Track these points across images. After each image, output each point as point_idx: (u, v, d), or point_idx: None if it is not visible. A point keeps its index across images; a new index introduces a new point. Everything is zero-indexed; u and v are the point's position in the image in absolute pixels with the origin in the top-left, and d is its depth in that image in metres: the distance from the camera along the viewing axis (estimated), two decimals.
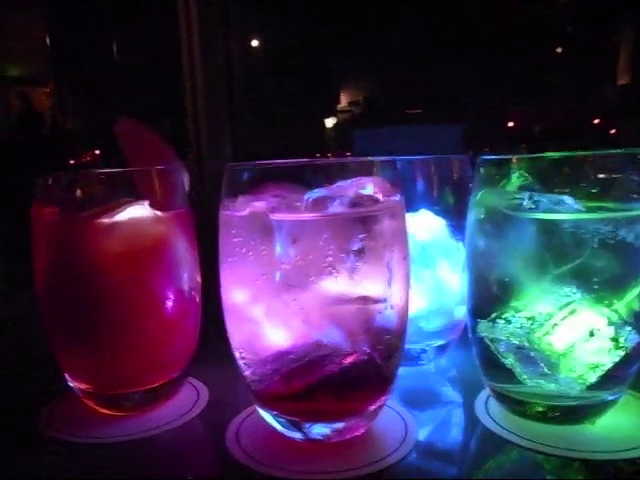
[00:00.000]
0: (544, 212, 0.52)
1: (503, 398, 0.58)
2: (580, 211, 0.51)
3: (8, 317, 0.81)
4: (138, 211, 0.56)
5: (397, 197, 0.52)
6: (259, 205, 0.48)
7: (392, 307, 0.51)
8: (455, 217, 0.66)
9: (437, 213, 0.67)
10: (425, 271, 0.67)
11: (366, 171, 0.52)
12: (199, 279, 0.64)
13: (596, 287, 0.51)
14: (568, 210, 0.51)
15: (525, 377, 0.56)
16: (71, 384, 0.61)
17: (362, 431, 0.54)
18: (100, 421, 0.59)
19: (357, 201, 0.49)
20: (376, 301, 0.50)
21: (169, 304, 0.59)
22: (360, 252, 0.48)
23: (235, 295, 0.51)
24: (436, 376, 0.68)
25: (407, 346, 0.67)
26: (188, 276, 0.61)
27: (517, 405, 0.57)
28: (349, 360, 0.51)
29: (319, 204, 0.49)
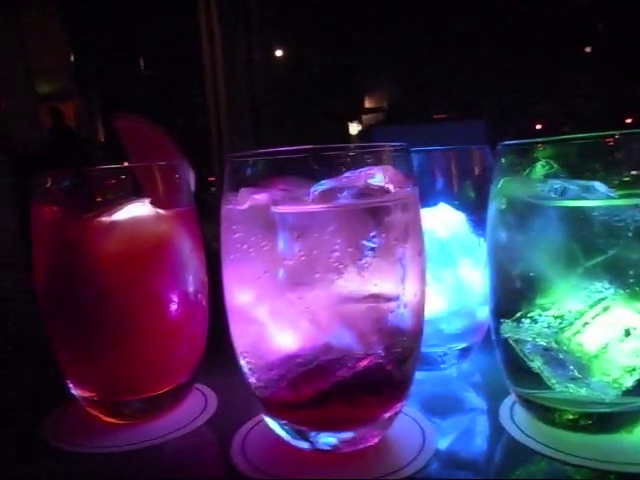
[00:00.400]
0: (573, 199, 0.47)
1: (530, 405, 0.54)
2: (612, 197, 0.47)
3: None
4: (138, 209, 0.54)
5: (410, 188, 0.48)
6: (260, 197, 0.45)
7: (406, 306, 0.47)
8: (476, 211, 0.62)
9: (457, 207, 0.63)
10: (445, 269, 0.63)
11: (377, 160, 0.48)
12: (205, 280, 0.61)
13: (631, 281, 0.46)
14: (599, 197, 0.47)
15: (554, 381, 0.51)
16: (74, 392, 0.58)
17: (376, 440, 0.50)
18: (104, 430, 0.57)
19: (366, 192, 0.45)
20: (388, 299, 0.46)
21: (173, 306, 0.57)
22: (369, 246, 0.44)
23: (237, 295, 0.48)
24: (458, 381, 0.64)
25: (427, 350, 0.64)
26: (193, 277, 0.58)
27: (545, 412, 0.53)
28: (361, 364, 0.47)
29: (326, 196, 0.46)
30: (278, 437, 0.51)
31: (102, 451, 0.54)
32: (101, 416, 0.58)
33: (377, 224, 0.45)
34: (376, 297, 0.45)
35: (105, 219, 0.52)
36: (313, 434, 0.48)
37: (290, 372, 0.47)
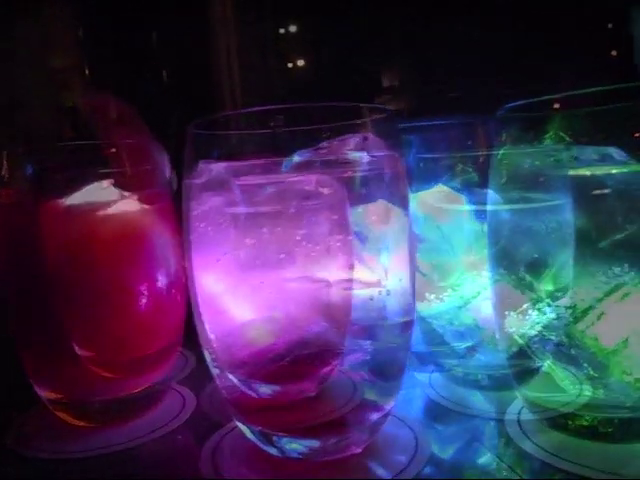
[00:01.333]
0: (584, 167, 0.40)
1: (540, 410, 0.47)
2: (631, 164, 0.40)
3: None
4: (98, 192, 0.49)
5: (383, 158, 0.42)
6: (219, 168, 0.40)
7: (388, 293, 0.41)
8: (481, 194, 0.56)
9: (458, 190, 0.56)
10: (445, 259, 0.56)
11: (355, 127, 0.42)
12: (181, 271, 0.55)
13: None
14: (616, 164, 0.40)
15: (567, 382, 0.44)
16: (40, 394, 0.53)
17: (359, 449, 0.44)
18: (71, 435, 0.52)
19: (334, 164, 0.40)
20: (364, 284, 0.40)
21: (141, 298, 0.51)
22: (339, 223, 0.38)
23: (197, 279, 0.43)
24: (459, 383, 0.57)
25: (431, 349, 0.58)
26: (165, 267, 0.53)
27: (558, 418, 0.45)
28: (337, 360, 0.41)
29: (297, 169, 0.40)
30: (251, 444, 0.45)
31: (69, 456, 0.48)
32: (69, 420, 0.53)
33: (346, 197, 0.39)
34: (349, 281, 0.39)
35: (59, 203, 0.47)
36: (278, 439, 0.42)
37: (260, 369, 0.42)
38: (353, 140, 0.41)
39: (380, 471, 0.43)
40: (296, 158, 0.40)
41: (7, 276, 0.50)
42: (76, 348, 0.49)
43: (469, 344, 0.57)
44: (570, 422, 0.45)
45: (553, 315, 0.43)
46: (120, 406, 0.53)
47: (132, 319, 0.52)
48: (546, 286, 0.43)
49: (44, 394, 0.53)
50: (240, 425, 0.45)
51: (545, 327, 0.43)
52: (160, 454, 0.49)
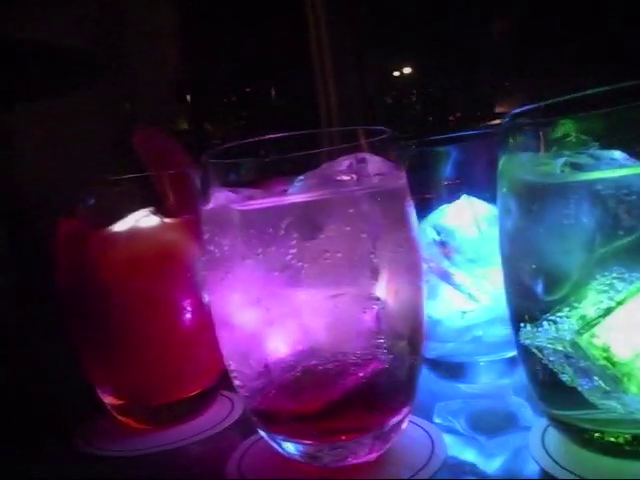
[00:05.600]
0: (577, 173, 0.39)
1: (567, 429, 0.45)
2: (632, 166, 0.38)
3: None
4: (142, 219, 0.55)
5: (385, 176, 0.43)
6: (221, 195, 0.44)
7: (384, 305, 0.42)
8: None
9: (486, 200, 0.56)
10: (480, 268, 0.56)
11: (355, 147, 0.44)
12: None
13: None
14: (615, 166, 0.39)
15: (592, 397, 0.42)
16: (104, 400, 0.60)
17: (372, 455, 0.45)
18: (129, 436, 0.58)
19: (328, 183, 0.42)
20: (356, 298, 0.41)
21: (189, 312, 0.57)
22: (328, 241, 0.40)
23: (210, 298, 0.46)
24: (490, 396, 0.56)
25: (462, 359, 0.58)
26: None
27: (582, 434, 0.43)
28: (349, 371, 0.43)
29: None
30: (276, 451, 0.48)
31: (127, 454, 0.55)
32: (131, 423, 0.59)
33: (336, 217, 0.41)
34: (340, 296, 0.41)
35: (107, 231, 0.54)
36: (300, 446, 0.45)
37: (271, 380, 0.44)
38: (349, 161, 0.43)
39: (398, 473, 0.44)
40: (297, 183, 0.43)
41: (70, 297, 0.58)
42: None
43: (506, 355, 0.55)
44: (594, 439, 0.43)
45: (564, 325, 0.41)
46: (174, 410, 0.59)
47: (181, 330, 0.57)
48: (555, 295, 0.42)
49: (107, 401, 0.59)
50: (263, 434, 0.48)
51: (553, 338, 0.41)
52: (202, 454, 0.53)
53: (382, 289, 0.42)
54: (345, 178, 0.41)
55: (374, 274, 0.41)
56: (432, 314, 0.59)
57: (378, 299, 0.41)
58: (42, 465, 0.54)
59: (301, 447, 0.45)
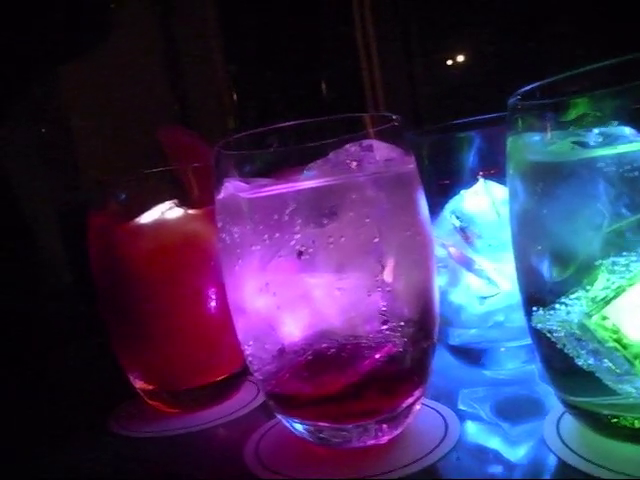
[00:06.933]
0: (580, 151, 0.38)
1: (580, 414, 0.44)
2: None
3: None
4: (167, 211, 0.57)
5: (390, 162, 0.44)
6: (230, 185, 0.45)
7: (390, 289, 0.42)
8: None
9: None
10: (502, 252, 0.55)
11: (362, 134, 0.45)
12: None
13: None
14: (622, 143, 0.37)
15: (607, 381, 0.41)
16: (135, 385, 0.63)
17: (385, 438, 0.46)
18: (159, 419, 0.61)
19: (334, 169, 0.42)
20: (361, 282, 0.42)
21: (216, 298, 0.59)
22: (329, 226, 0.41)
23: (226, 285, 0.48)
24: (515, 384, 0.55)
25: (482, 345, 0.57)
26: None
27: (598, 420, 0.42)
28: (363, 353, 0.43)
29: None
30: (292, 434, 0.49)
31: (156, 435, 0.58)
32: (161, 407, 0.62)
33: (339, 202, 0.41)
34: (345, 280, 0.41)
35: (133, 223, 0.56)
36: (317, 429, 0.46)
37: (285, 364, 0.46)
38: (354, 148, 0.44)
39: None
40: (306, 172, 0.44)
41: (102, 288, 0.61)
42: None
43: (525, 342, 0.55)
44: (611, 425, 0.42)
45: (574, 307, 0.40)
46: (201, 394, 0.61)
47: (206, 316, 0.59)
48: (565, 277, 0.41)
49: (138, 385, 0.62)
50: (282, 419, 0.49)
51: (563, 320, 0.41)
52: (225, 436, 0.56)
53: (389, 273, 0.42)
54: (350, 165, 0.42)
55: (379, 258, 0.42)
56: (454, 300, 0.59)
57: (384, 283, 0.42)
58: (77, 446, 0.58)
59: (314, 430, 0.46)
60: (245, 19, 1.99)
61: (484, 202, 0.55)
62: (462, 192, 0.56)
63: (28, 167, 1.03)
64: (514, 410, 0.52)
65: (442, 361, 0.62)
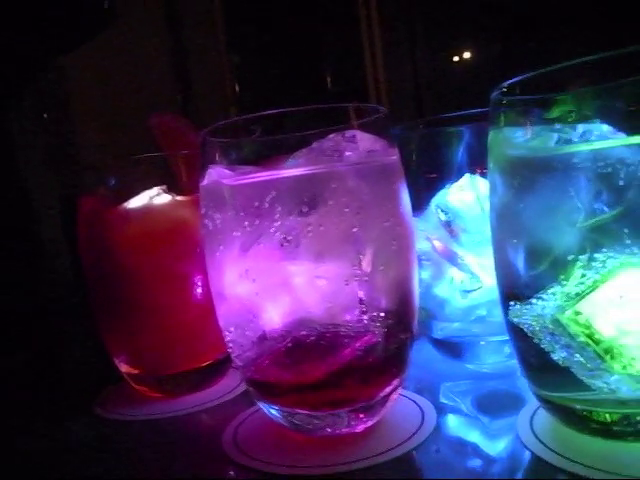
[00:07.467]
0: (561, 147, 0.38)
1: (554, 409, 0.44)
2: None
3: None
4: (155, 197, 0.58)
5: (371, 152, 0.44)
6: (214, 172, 0.45)
7: (368, 278, 0.43)
8: None
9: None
10: (480, 248, 0.55)
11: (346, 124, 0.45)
12: None
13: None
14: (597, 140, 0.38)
15: (580, 376, 0.42)
16: (122, 370, 0.64)
17: (361, 427, 0.47)
18: (145, 403, 0.62)
19: (314, 159, 0.43)
20: (340, 271, 0.42)
21: (201, 284, 0.59)
22: (311, 214, 0.41)
23: (208, 271, 0.48)
24: (496, 378, 0.56)
25: (468, 339, 0.58)
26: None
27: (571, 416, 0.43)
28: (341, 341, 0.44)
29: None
30: (271, 421, 0.50)
31: (142, 418, 0.58)
32: (146, 391, 0.63)
33: (319, 191, 0.42)
34: (323, 269, 0.42)
35: (121, 208, 0.57)
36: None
37: (264, 350, 0.46)
38: (337, 137, 0.44)
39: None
40: (291, 160, 0.44)
41: (90, 272, 0.61)
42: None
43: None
44: (583, 419, 0.42)
45: (549, 302, 0.41)
46: (186, 379, 0.62)
47: (191, 302, 0.60)
48: (541, 273, 0.41)
49: (124, 370, 0.63)
50: (260, 405, 0.50)
51: (537, 315, 0.41)
52: (207, 421, 0.57)
53: (367, 263, 0.43)
54: (332, 154, 0.42)
55: (357, 248, 0.42)
56: (439, 293, 0.59)
57: (362, 272, 0.42)
58: (63, 427, 0.58)
59: (288, 415, 0.46)
60: (250, 11, 1.99)
61: (469, 197, 0.55)
62: (448, 186, 0.56)
63: (31, 159, 1.04)
64: (494, 404, 0.52)
65: (425, 354, 0.63)
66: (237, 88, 1.97)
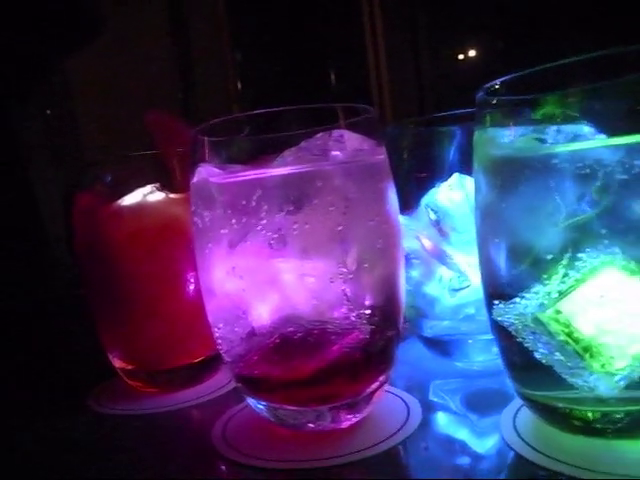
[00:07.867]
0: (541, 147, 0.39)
1: (537, 407, 0.45)
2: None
3: None
4: (149, 194, 0.58)
5: (358, 152, 0.44)
6: (203, 170, 0.46)
7: (353, 276, 0.43)
8: None
9: None
10: (468, 247, 0.56)
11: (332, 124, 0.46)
12: None
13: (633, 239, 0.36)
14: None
15: (562, 374, 0.42)
16: (115, 365, 0.64)
17: (347, 423, 0.47)
18: (138, 398, 0.62)
19: (301, 158, 0.43)
20: (326, 269, 0.43)
21: (194, 282, 0.60)
22: (295, 213, 0.42)
23: (198, 268, 0.49)
24: (485, 376, 0.56)
25: (457, 337, 0.58)
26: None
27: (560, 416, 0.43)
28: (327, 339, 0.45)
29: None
30: (259, 416, 0.50)
31: (134, 413, 0.59)
32: (140, 386, 0.63)
33: (305, 190, 0.42)
34: (308, 266, 0.43)
35: (115, 205, 0.57)
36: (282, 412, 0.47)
37: (252, 347, 0.47)
38: (325, 137, 0.45)
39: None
40: (279, 159, 0.45)
41: (85, 269, 0.62)
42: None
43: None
44: (565, 417, 0.43)
45: (531, 301, 0.41)
46: (179, 375, 0.62)
47: (184, 298, 0.60)
48: (524, 272, 0.42)
49: (117, 365, 0.64)
50: (249, 400, 0.50)
51: (519, 314, 0.41)
52: (198, 416, 0.57)
53: (352, 261, 0.43)
54: (318, 153, 0.43)
55: (342, 246, 0.43)
56: (428, 292, 0.60)
57: (347, 270, 0.43)
58: (58, 422, 0.59)
59: (273, 410, 0.47)
60: (253, 9, 2.00)
61: (458, 196, 0.55)
62: (437, 185, 0.57)
63: (36, 154, 1.05)
64: (483, 402, 0.53)
65: (415, 352, 0.64)
66: (240, 86, 1.98)
